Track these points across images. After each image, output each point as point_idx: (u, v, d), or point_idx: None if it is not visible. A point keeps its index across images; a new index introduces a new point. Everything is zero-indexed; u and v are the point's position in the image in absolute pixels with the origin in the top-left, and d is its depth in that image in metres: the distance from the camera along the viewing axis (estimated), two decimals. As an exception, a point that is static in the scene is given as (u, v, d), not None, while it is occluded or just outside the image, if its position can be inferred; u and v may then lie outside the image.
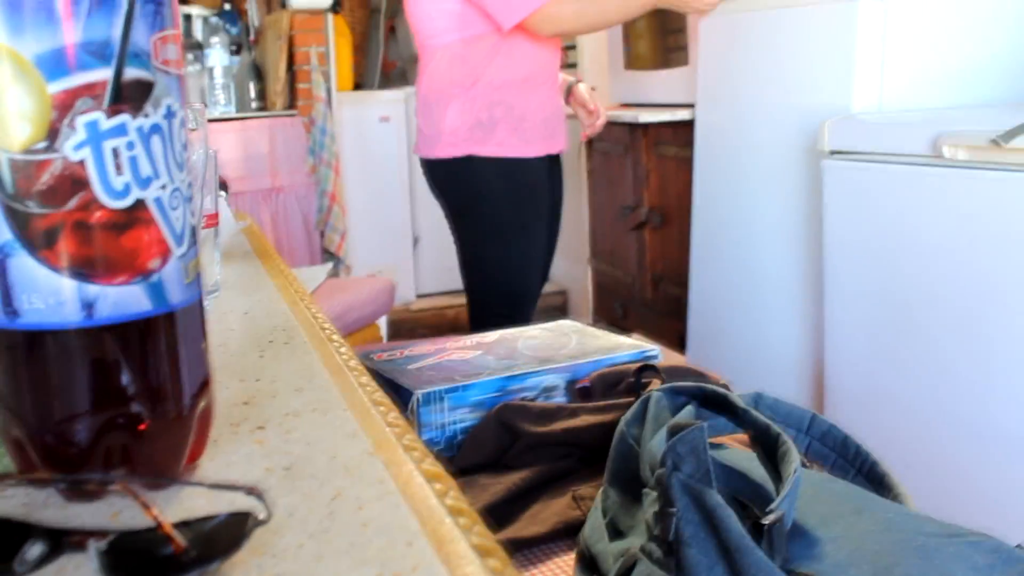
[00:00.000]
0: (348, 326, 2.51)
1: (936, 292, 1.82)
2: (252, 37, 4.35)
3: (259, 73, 4.26)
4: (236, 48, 4.30)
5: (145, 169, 0.40)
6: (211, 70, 4.18)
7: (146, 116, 0.40)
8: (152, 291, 0.41)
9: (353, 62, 4.51)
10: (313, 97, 3.99)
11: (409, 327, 4.24)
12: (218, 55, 4.18)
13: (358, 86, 4.61)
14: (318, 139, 3.97)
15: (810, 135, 2.23)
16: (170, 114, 0.41)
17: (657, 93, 3.24)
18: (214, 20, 4.31)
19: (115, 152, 0.39)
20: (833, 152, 2.07)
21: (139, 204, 0.40)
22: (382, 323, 2.89)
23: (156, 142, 0.40)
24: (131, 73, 0.39)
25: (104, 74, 0.39)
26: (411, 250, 4.43)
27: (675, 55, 3.11)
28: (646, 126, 3.17)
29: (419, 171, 2.57)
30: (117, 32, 0.39)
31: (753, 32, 2.51)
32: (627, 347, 1.16)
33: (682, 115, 2.91)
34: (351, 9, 4.73)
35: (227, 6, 4.35)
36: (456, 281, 4.42)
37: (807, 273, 2.31)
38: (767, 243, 2.46)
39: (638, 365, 1.04)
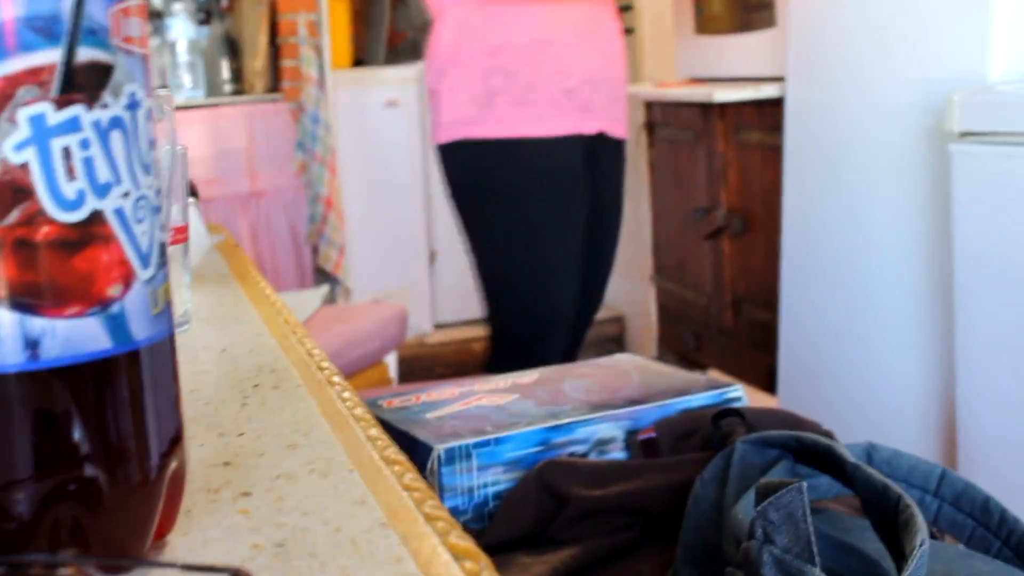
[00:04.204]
0: (349, 365, 2.52)
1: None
2: (224, 3, 4.41)
3: (234, 48, 4.30)
4: (204, 17, 4.35)
5: (103, 173, 0.41)
6: (173, 45, 4.23)
7: (104, 107, 0.41)
8: (112, 325, 0.41)
9: (352, 33, 4.54)
10: (302, 77, 4.02)
11: (425, 365, 4.26)
12: (182, 26, 4.24)
13: (359, 62, 4.64)
14: (309, 130, 4.00)
15: (934, 113, 2.22)
16: (134, 104, 0.42)
17: (736, 64, 3.24)
18: (177, -18, 4.37)
19: (66, 152, 0.40)
20: (964, 134, 2.06)
21: (96, 217, 0.41)
22: (391, 361, 2.90)
23: (116, 139, 0.41)
24: (85, 54, 0.40)
25: (51, 56, 0.39)
26: (427, 269, 4.44)
27: (758, 15, 3.11)
28: (723, 106, 3.17)
29: (436, 169, 2.59)
30: (67, 3, 0.40)
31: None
32: (702, 387, 1.15)
33: (768, 91, 2.91)
34: (348, -34, 4.77)
35: (193, -36, 4.41)
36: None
37: (931, 290, 2.29)
38: (879, 252, 2.45)
39: (716, 410, 1.04)
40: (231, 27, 4.36)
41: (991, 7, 2.12)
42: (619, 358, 1.32)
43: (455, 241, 4.38)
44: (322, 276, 4.09)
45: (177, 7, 4.24)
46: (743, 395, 1.16)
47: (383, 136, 4.31)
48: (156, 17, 4.24)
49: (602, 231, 2.51)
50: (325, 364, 0.74)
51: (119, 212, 0.41)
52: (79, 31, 0.40)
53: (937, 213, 2.24)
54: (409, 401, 1.12)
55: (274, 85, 4.18)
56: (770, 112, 2.92)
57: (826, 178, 2.63)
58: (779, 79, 2.86)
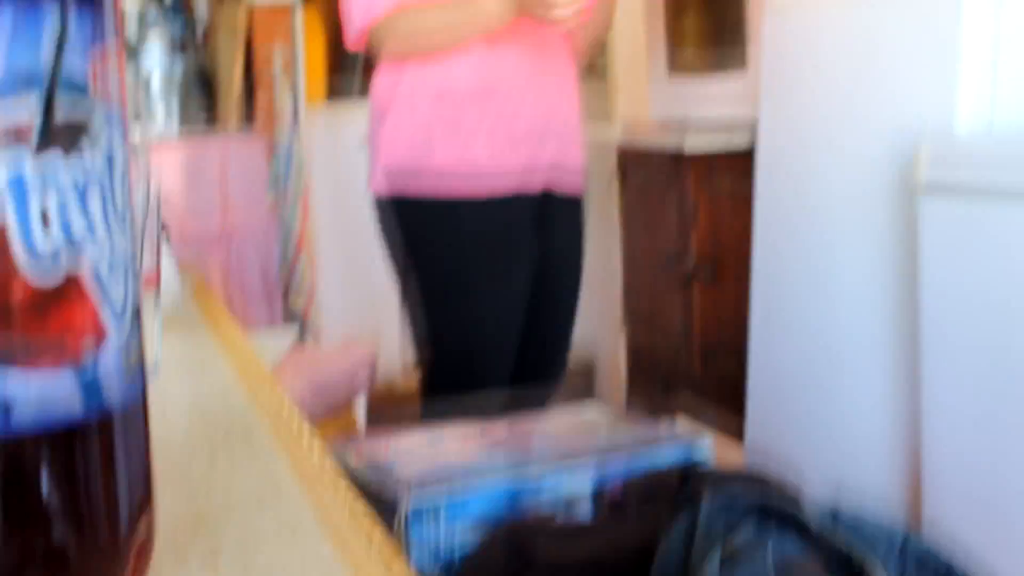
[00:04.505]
0: (318, 411, 2.51)
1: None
2: (199, 36, 4.40)
3: (208, 82, 4.30)
4: (179, 49, 4.35)
5: (79, 227, 0.40)
6: (148, 77, 4.23)
7: (82, 158, 0.40)
8: (85, 387, 0.41)
9: (328, 67, 4.54)
10: (276, 112, 4.01)
11: (396, 407, 4.22)
12: (156, 59, 4.24)
13: (334, 95, 4.63)
14: (282, 166, 3.99)
15: (902, 164, 2.23)
16: (111, 155, 0.42)
17: (707, 105, 3.26)
18: (151, 14, 4.36)
19: (42, 205, 0.39)
20: (932, 187, 2.07)
21: (70, 273, 0.40)
22: (360, 404, 2.88)
23: (94, 192, 0.41)
24: (63, 103, 0.40)
25: (30, 105, 0.39)
26: (398, 309, 4.42)
27: (729, 52, 3.14)
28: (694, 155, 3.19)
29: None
30: (46, 51, 0.39)
31: (830, 30, 2.53)
32: (669, 439, 1.16)
33: (740, 140, 2.93)
34: (325, -1, 4.77)
35: (168, -3, 4.41)
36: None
37: (899, 342, 2.30)
38: (847, 303, 2.46)
39: (681, 474, 1.05)
40: (206, 59, 4.36)
41: (959, 59, 2.14)
42: (587, 409, 1.32)
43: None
44: (293, 315, 4.07)
45: (152, 39, 4.24)
46: (710, 447, 1.17)
47: (357, 173, 4.29)
48: (130, 50, 4.23)
49: (555, 287, 2.39)
50: (294, 416, 0.74)
51: (94, 268, 0.41)
52: (58, 80, 0.40)
53: (904, 264, 2.26)
54: (378, 452, 1.12)
55: (248, 118, 4.17)
56: (741, 161, 2.94)
57: (796, 228, 2.65)
58: (750, 125, 2.88)
